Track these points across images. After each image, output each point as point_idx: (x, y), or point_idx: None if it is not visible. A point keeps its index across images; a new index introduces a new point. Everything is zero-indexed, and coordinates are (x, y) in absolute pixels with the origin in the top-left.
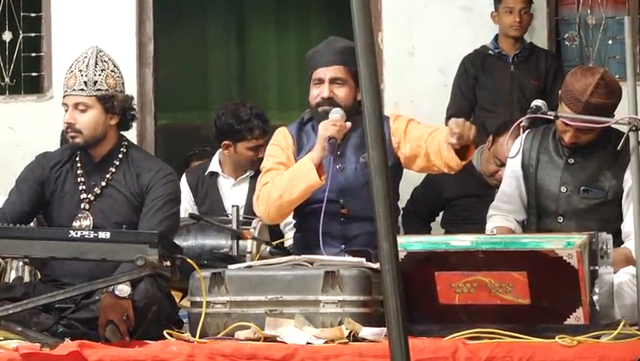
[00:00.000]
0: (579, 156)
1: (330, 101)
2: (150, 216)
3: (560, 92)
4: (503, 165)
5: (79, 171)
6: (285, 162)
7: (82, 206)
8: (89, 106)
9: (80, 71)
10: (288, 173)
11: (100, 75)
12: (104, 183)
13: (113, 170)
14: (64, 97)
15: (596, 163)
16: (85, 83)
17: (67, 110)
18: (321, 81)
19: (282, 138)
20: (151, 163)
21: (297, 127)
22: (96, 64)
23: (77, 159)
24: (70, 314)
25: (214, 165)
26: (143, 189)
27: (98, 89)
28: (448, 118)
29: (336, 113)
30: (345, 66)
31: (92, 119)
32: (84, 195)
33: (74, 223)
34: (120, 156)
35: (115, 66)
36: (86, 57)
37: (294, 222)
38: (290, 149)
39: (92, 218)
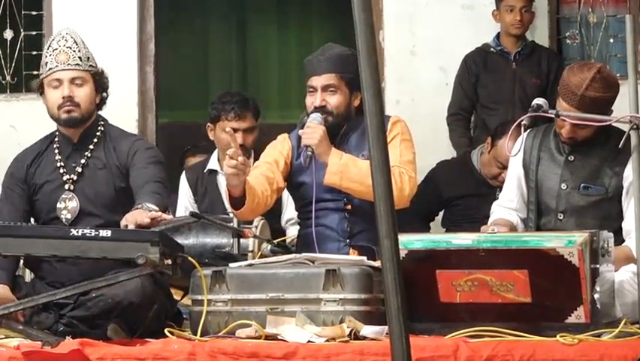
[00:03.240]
0: (579, 153)
1: (323, 109)
2: (142, 172)
3: (558, 87)
4: (505, 167)
5: (57, 157)
6: (272, 162)
7: (66, 187)
8: (85, 81)
9: (69, 47)
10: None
11: (89, 52)
12: (83, 161)
13: (92, 147)
14: (53, 72)
15: (596, 160)
16: (79, 58)
17: (56, 87)
18: (314, 89)
19: (279, 142)
20: (128, 135)
21: (297, 134)
22: (83, 42)
23: (55, 145)
24: (69, 312)
25: (213, 163)
26: (122, 158)
27: (91, 65)
28: (449, 116)
29: (314, 119)
30: (337, 74)
31: (89, 93)
32: (67, 177)
33: (59, 205)
34: (98, 133)
35: (82, 39)
36: (66, 37)
37: (294, 219)
38: (285, 152)
39: (77, 198)
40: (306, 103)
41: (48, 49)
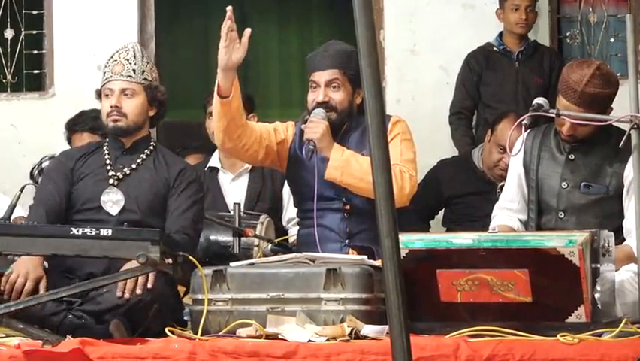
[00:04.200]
0: (580, 152)
1: (326, 105)
2: (177, 214)
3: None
4: (505, 150)
5: (106, 156)
6: (271, 128)
7: (110, 182)
8: (136, 93)
9: (127, 60)
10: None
11: (146, 66)
12: (134, 165)
13: (144, 157)
14: (107, 82)
15: (596, 159)
16: (133, 70)
17: (107, 95)
18: (317, 85)
19: (284, 124)
20: (179, 158)
21: (300, 126)
22: (143, 56)
23: (105, 149)
24: (78, 306)
25: (214, 161)
26: (171, 174)
27: (145, 78)
28: (451, 115)
29: (317, 114)
30: (341, 70)
31: (138, 105)
32: (112, 173)
33: (103, 197)
34: (151, 147)
35: (153, 63)
36: (128, 49)
37: (296, 218)
38: (289, 133)
39: (122, 193)
40: (308, 99)
41: (109, 59)
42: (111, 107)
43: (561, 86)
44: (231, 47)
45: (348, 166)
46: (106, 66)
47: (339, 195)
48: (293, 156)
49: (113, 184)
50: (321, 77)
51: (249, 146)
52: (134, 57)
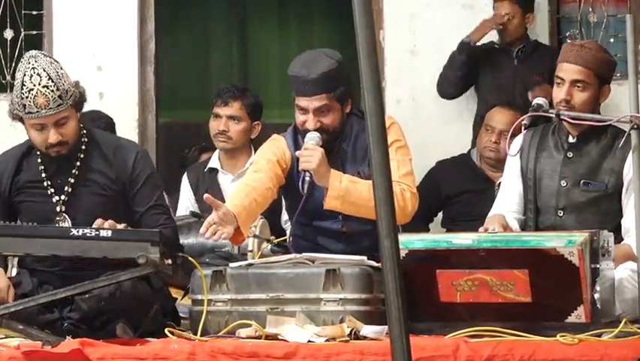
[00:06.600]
0: (578, 150)
1: (317, 130)
2: (150, 215)
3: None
4: (492, 129)
5: (40, 168)
6: (275, 161)
7: (57, 209)
8: (69, 117)
9: (46, 87)
10: (237, 193)
11: (65, 82)
12: (72, 180)
13: (78, 163)
14: (35, 118)
15: (595, 157)
16: (60, 97)
17: (40, 130)
18: (305, 111)
19: (279, 149)
20: (123, 143)
21: (292, 141)
22: (56, 72)
23: (38, 160)
24: (68, 313)
25: (214, 161)
26: (123, 170)
27: (71, 97)
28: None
29: (311, 140)
30: (328, 93)
31: (73, 127)
32: (56, 198)
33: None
34: (83, 147)
35: (53, 61)
36: (38, 73)
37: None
38: (286, 158)
39: (69, 220)
40: (297, 119)
41: (22, 88)
42: (52, 143)
43: (560, 57)
44: (224, 224)
45: (348, 195)
46: (22, 97)
47: (336, 215)
48: (291, 178)
49: (60, 211)
50: (308, 104)
51: (268, 203)
52: (51, 80)
